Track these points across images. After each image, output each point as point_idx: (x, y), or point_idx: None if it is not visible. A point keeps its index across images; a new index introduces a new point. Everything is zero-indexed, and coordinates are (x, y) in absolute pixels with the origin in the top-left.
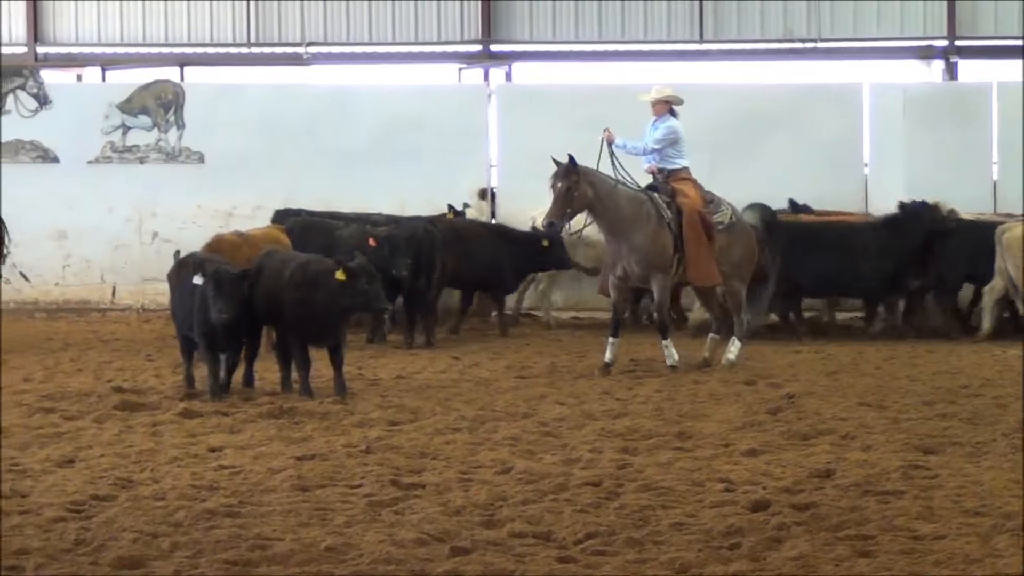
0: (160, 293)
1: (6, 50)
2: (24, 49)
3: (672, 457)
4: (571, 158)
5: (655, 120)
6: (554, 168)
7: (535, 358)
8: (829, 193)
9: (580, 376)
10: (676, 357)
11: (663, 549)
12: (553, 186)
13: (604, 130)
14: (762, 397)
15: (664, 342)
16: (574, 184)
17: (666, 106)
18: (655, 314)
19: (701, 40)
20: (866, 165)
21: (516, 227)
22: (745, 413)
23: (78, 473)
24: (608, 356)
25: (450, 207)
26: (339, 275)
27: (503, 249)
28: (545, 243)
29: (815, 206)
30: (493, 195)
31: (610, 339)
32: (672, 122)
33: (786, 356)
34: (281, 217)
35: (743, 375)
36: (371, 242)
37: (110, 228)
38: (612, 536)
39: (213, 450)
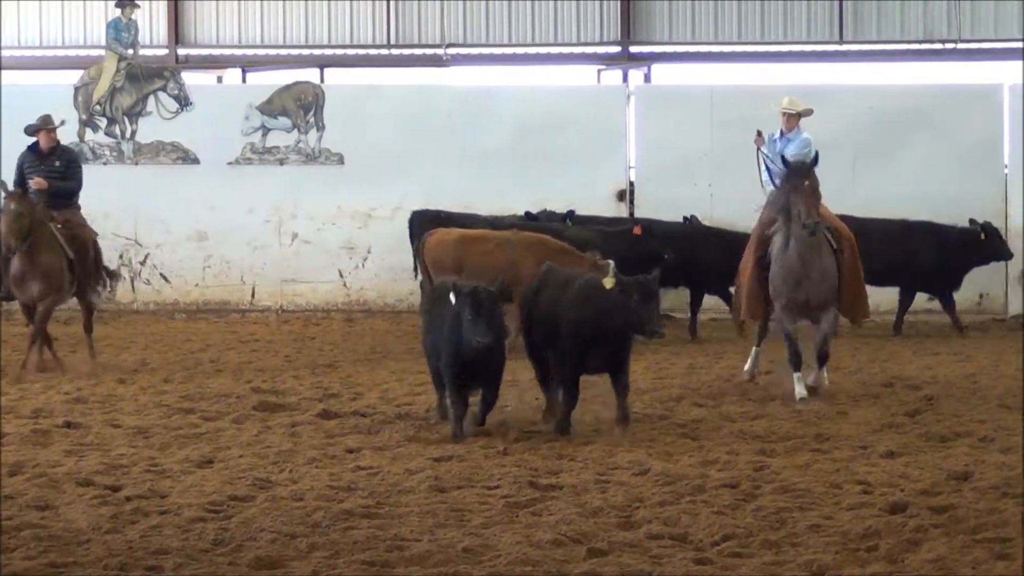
0: (298, 294)
1: (148, 52)
2: (165, 51)
3: (810, 459)
4: (816, 157)
5: (787, 133)
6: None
7: (672, 359)
8: (967, 195)
9: (718, 377)
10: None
11: (800, 551)
12: (801, 184)
13: (757, 134)
14: (900, 399)
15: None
16: (817, 184)
17: (798, 119)
18: (821, 346)
19: (841, 41)
20: (1005, 167)
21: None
22: (883, 415)
23: (217, 473)
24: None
25: (570, 213)
26: (607, 282)
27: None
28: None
29: (953, 208)
30: (632, 196)
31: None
32: (807, 136)
33: (924, 358)
34: (419, 218)
35: (880, 377)
36: (636, 230)
37: (250, 229)
38: (749, 538)
39: (351, 451)
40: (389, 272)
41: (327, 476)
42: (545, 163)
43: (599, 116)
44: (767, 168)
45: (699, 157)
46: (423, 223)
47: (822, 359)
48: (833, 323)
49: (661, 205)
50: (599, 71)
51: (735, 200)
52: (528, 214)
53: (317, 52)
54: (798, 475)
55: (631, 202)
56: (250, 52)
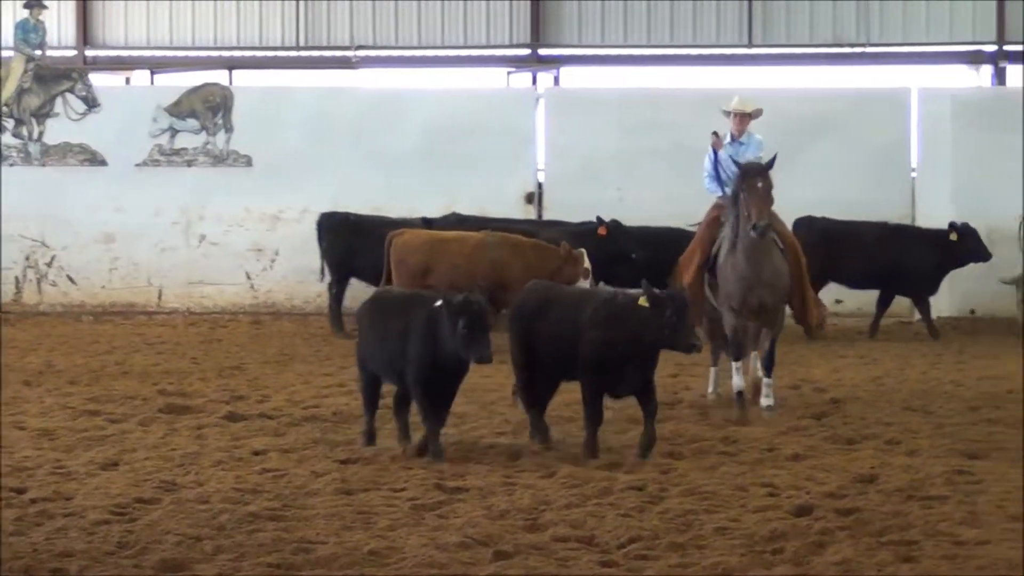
0: (205, 297)
1: (56, 53)
2: (73, 52)
3: (716, 461)
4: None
5: (738, 136)
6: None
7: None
8: (876, 198)
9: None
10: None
11: (706, 554)
12: (754, 185)
13: (713, 135)
14: (807, 402)
15: (737, 366)
16: (771, 186)
17: (750, 120)
18: (769, 352)
19: (750, 44)
20: (914, 171)
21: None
22: (790, 418)
23: (122, 476)
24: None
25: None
26: (641, 301)
27: None
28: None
29: (863, 211)
30: (540, 198)
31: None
32: (760, 138)
33: (830, 361)
34: (328, 221)
35: (787, 380)
36: (601, 231)
37: (157, 231)
38: (655, 540)
39: (257, 453)
40: (297, 274)
41: (233, 478)
42: (454, 166)
43: (508, 119)
44: (716, 174)
45: (608, 160)
46: (331, 226)
47: (769, 366)
48: (780, 327)
49: (569, 208)
50: (508, 74)
51: (644, 203)
52: (425, 220)
53: (226, 54)
54: (705, 478)
55: (539, 205)
56: (158, 54)
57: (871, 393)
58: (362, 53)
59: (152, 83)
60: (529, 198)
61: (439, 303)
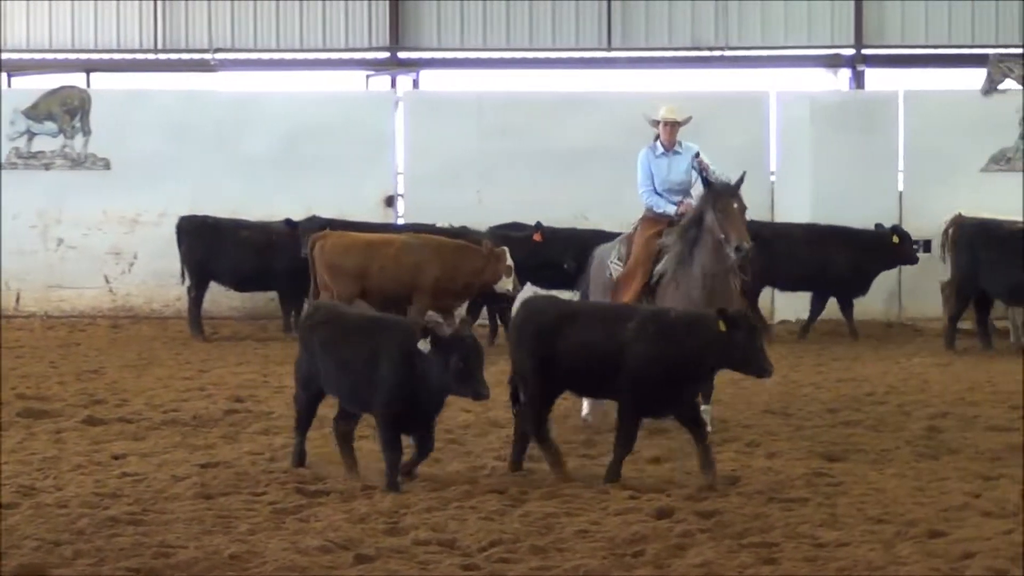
0: (64, 300)
1: None
2: None
3: (578, 464)
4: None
5: (670, 147)
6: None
7: None
8: None
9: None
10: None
11: (567, 556)
12: (729, 206)
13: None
14: None
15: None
16: (745, 206)
17: (679, 129)
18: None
19: (609, 48)
20: (772, 174)
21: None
22: (650, 421)
23: None
24: None
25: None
26: (720, 326)
27: None
28: None
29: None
30: (399, 202)
31: None
32: (695, 146)
33: None
34: (187, 224)
35: None
36: (537, 237)
37: (15, 234)
38: (516, 543)
39: (116, 457)
40: (156, 278)
41: (92, 483)
42: (313, 169)
43: (367, 122)
44: (651, 186)
45: (467, 163)
46: (190, 229)
47: (708, 393)
48: None
49: (429, 211)
50: (368, 76)
51: (502, 205)
52: (288, 221)
53: (83, 56)
54: (564, 481)
55: (399, 208)
56: (15, 56)
57: (731, 396)
58: (221, 56)
59: (9, 86)
60: (388, 201)
61: (422, 339)
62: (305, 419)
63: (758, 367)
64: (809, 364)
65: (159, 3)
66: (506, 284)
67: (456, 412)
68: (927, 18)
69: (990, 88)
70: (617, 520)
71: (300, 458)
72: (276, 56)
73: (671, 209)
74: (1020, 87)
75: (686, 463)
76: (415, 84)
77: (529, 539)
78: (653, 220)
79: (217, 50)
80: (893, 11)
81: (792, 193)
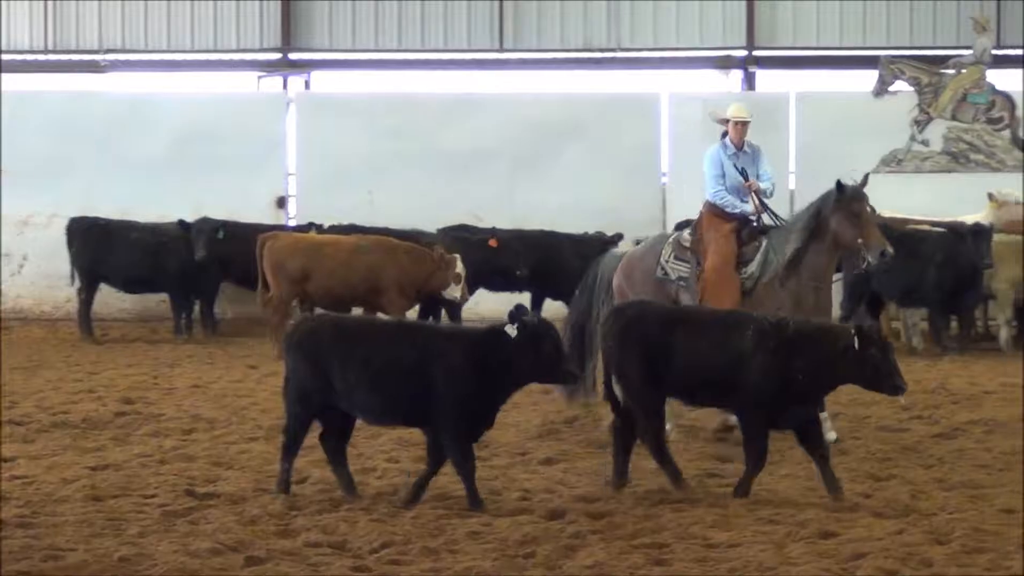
0: None
1: None
2: None
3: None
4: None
5: (741, 146)
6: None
7: None
8: (627, 204)
9: None
10: None
11: (458, 558)
12: (863, 210)
13: (747, 183)
14: (559, 406)
15: None
16: (873, 209)
17: (747, 128)
18: None
19: (501, 49)
20: (664, 175)
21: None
22: (542, 422)
23: None
24: None
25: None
26: (855, 342)
27: None
28: None
29: (613, 217)
30: (291, 204)
31: None
32: (759, 146)
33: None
34: (77, 225)
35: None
36: (492, 242)
37: None
38: (407, 545)
39: (6, 460)
40: (46, 280)
41: None
42: (204, 170)
43: (258, 123)
44: (723, 184)
45: (359, 164)
46: (80, 230)
47: None
48: None
49: (321, 212)
50: (259, 77)
51: (394, 206)
52: (182, 222)
53: None
54: (456, 482)
55: (291, 210)
56: None
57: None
58: (111, 56)
59: None
60: (280, 202)
61: (509, 324)
62: (299, 440)
63: (891, 386)
64: None
65: (48, 3)
66: (454, 292)
67: None
68: (819, 20)
69: (881, 90)
70: (508, 521)
71: (287, 483)
72: (167, 57)
73: (747, 208)
74: (911, 89)
75: (576, 464)
76: (306, 85)
77: (420, 541)
78: (722, 218)
79: (108, 51)
80: (784, 13)
81: (684, 194)
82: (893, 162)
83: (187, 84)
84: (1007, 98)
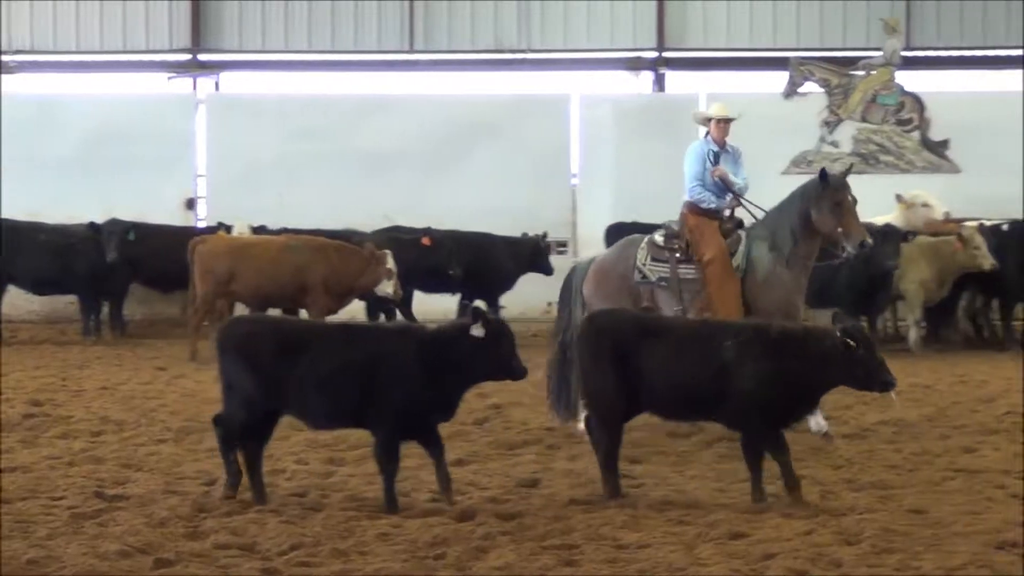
0: None
1: None
2: None
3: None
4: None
5: (723, 145)
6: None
7: None
8: (537, 205)
9: None
10: None
11: (368, 560)
12: (845, 199)
13: (714, 170)
14: (469, 407)
15: None
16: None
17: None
18: None
19: (411, 50)
20: (574, 176)
21: None
22: (451, 423)
23: None
24: None
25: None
26: (844, 344)
27: None
28: None
29: (523, 218)
30: (200, 205)
31: None
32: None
33: None
34: None
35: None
36: (425, 241)
37: None
38: (317, 547)
39: None
40: None
41: None
42: (113, 171)
43: (168, 124)
44: (702, 181)
45: (269, 165)
46: None
47: None
48: None
49: (231, 213)
50: (168, 78)
51: (304, 207)
52: (92, 224)
53: None
54: (366, 484)
55: (200, 211)
56: None
57: (533, 398)
58: (19, 58)
59: None
60: (189, 203)
61: (474, 324)
62: (238, 442)
63: (881, 383)
64: None
65: None
66: (387, 288)
67: None
68: (728, 21)
69: (791, 91)
70: (418, 523)
71: (237, 484)
72: (76, 58)
73: (723, 203)
74: (821, 90)
75: (487, 465)
76: (216, 86)
77: (330, 542)
78: (704, 215)
79: (16, 51)
80: (695, 14)
81: (594, 195)
82: (803, 163)
83: (96, 85)
84: (916, 99)
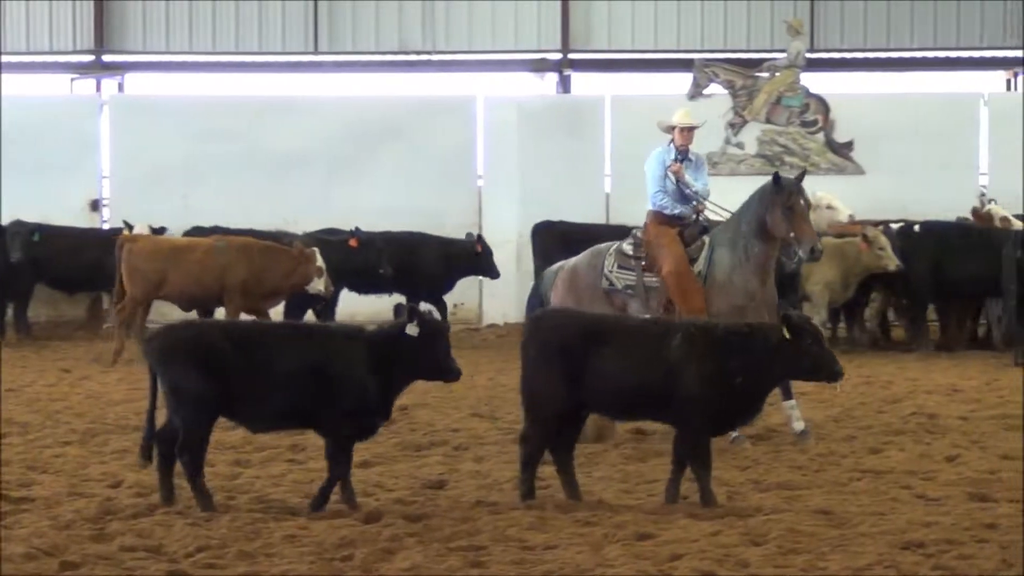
0: None
1: None
2: None
3: (285, 469)
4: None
5: (687, 153)
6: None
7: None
8: (443, 206)
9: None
10: None
11: (275, 562)
12: (797, 203)
13: (671, 165)
14: None
15: None
16: (810, 203)
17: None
18: None
19: (316, 51)
20: (480, 178)
21: None
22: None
23: None
24: None
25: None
26: (784, 332)
27: None
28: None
29: (429, 218)
30: (104, 206)
31: None
32: (702, 154)
33: None
34: None
35: None
36: (352, 242)
37: None
38: (224, 549)
39: None
40: None
41: None
42: (17, 173)
43: (72, 126)
44: (664, 187)
45: (173, 167)
46: None
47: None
48: None
49: (136, 215)
50: (72, 80)
51: (209, 209)
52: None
53: None
54: (272, 485)
55: (104, 213)
56: None
57: (439, 399)
58: None
59: None
60: (94, 205)
61: (410, 324)
62: (204, 452)
63: (831, 372)
64: (517, 368)
65: None
66: (318, 285)
67: (163, 417)
68: (633, 23)
69: (696, 92)
70: (325, 525)
71: (209, 502)
72: None
73: (686, 210)
74: (725, 92)
75: (393, 467)
76: (120, 88)
77: (237, 544)
78: (666, 222)
79: None
80: (600, 15)
81: (500, 197)
82: (708, 165)
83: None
84: (821, 101)
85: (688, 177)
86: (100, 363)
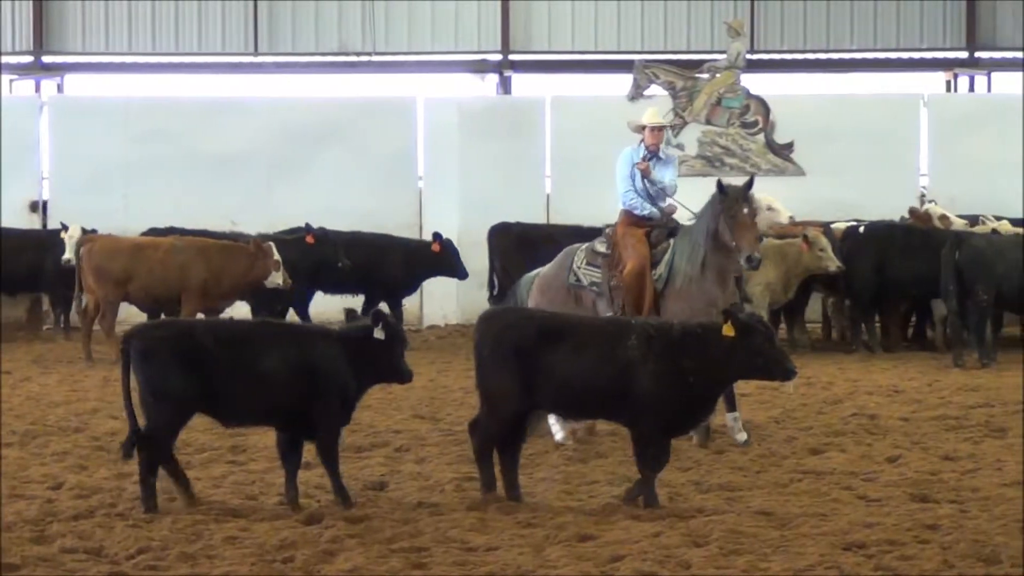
0: None
1: None
2: None
3: (225, 471)
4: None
5: (657, 152)
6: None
7: (88, 372)
8: (384, 207)
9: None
10: None
11: (216, 563)
12: (740, 212)
13: (639, 163)
14: None
15: None
16: (755, 211)
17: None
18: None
19: (256, 52)
20: (421, 179)
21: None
22: None
23: None
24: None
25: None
26: (727, 330)
27: None
28: None
29: (372, 220)
30: (45, 207)
31: None
32: (673, 153)
33: None
34: None
35: None
36: (309, 239)
37: None
38: (165, 551)
39: None
40: None
41: None
42: None
43: (11, 127)
44: (633, 186)
45: (113, 168)
46: None
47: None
48: None
49: (76, 216)
50: (11, 81)
51: (148, 210)
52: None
53: None
54: (213, 487)
55: (45, 213)
56: None
57: (381, 401)
58: None
59: None
60: (33, 207)
61: (376, 327)
62: (171, 448)
63: (783, 371)
64: (458, 369)
65: None
66: (276, 279)
67: (104, 419)
68: (573, 24)
69: (636, 94)
70: (266, 526)
71: (152, 501)
72: None
73: (655, 211)
74: (666, 93)
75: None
76: (60, 88)
77: (178, 546)
78: (635, 222)
79: None
80: (540, 17)
81: (440, 198)
82: None
83: None
84: (761, 102)
85: (655, 174)
86: (90, 361)
